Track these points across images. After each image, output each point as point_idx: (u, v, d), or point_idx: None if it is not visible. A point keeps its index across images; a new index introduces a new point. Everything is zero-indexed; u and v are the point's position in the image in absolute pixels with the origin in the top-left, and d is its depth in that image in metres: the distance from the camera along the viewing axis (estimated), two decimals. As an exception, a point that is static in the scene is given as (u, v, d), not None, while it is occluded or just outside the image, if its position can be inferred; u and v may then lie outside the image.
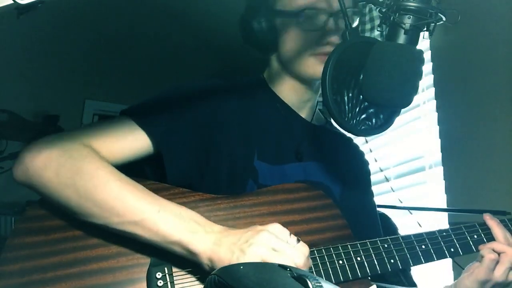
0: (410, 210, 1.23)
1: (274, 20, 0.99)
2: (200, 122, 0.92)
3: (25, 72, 3.01)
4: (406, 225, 1.75)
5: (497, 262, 0.87)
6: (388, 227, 1.36)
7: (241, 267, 0.54)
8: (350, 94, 0.79)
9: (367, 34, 2.02)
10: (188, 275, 0.78)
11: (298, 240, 0.74)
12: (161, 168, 0.87)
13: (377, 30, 0.94)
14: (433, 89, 1.79)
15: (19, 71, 2.95)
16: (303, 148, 1.01)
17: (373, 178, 1.17)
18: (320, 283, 0.48)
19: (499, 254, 0.88)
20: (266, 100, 1.04)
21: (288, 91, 1.05)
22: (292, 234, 0.75)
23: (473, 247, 0.91)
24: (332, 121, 0.95)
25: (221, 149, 0.93)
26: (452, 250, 0.90)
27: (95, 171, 0.77)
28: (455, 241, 0.91)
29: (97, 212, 0.76)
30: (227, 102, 0.96)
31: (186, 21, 3.24)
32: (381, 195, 2.03)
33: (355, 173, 1.10)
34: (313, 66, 0.97)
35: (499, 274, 0.86)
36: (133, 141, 0.86)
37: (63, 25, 3.12)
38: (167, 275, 0.77)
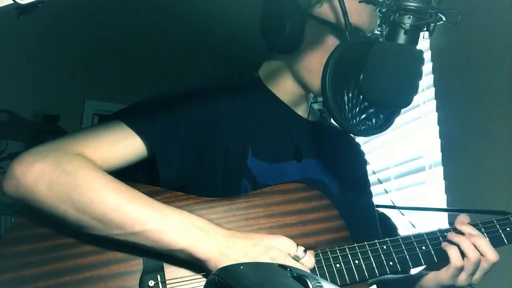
0: (402, 211, 1.23)
1: (304, 24, 0.93)
2: (193, 123, 0.90)
3: (25, 72, 3.02)
4: (406, 225, 1.75)
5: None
6: (388, 227, 1.36)
7: (241, 267, 0.54)
8: (350, 94, 0.79)
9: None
10: (181, 283, 0.77)
11: (305, 251, 0.75)
12: (152, 171, 0.86)
13: (377, 30, 0.94)
14: (433, 89, 1.79)
15: (19, 71, 2.95)
16: (302, 146, 1.01)
17: (372, 178, 1.17)
18: (320, 283, 0.48)
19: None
20: (262, 99, 1.02)
21: (286, 90, 1.02)
22: (299, 246, 0.75)
23: None
24: (332, 121, 0.95)
25: (215, 149, 0.91)
26: None
27: (90, 184, 0.75)
28: None
29: (96, 225, 0.74)
30: (221, 103, 0.94)
31: (187, 21, 3.25)
32: (381, 195, 2.03)
33: (353, 171, 1.10)
34: None
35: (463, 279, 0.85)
36: (127, 146, 0.84)
37: (63, 26, 3.12)
38: (159, 283, 0.76)
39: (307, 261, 0.76)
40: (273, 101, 1.02)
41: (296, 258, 0.75)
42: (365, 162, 1.15)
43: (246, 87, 1.02)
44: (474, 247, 0.84)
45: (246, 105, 0.98)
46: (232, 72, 1.09)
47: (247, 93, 1.01)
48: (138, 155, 0.86)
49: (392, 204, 1.40)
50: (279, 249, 0.74)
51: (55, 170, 0.75)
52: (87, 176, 0.76)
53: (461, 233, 0.88)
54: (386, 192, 1.42)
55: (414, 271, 0.97)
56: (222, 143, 0.92)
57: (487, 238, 0.87)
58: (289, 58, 0.99)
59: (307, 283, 0.48)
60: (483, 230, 0.89)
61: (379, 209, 1.18)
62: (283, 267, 0.53)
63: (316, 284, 0.48)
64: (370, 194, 1.12)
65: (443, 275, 0.86)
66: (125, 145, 0.84)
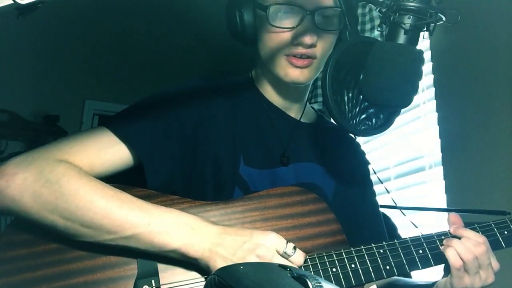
0: (402, 211, 1.22)
1: (255, 12, 0.93)
2: (183, 128, 0.89)
3: (25, 72, 3.02)
4: (406, 225, 1.75)
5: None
6: (388, 227, 1.36)
7: (241, 267, 0.54)
8: (350, 94, 0.79)
9: (367, 34, 2.02)
10: None
11: (295, 248, 0.75)
12: (143, 178, 0.85)
13: (377, 30, 0.94)
14: (433, 89, 1.79)
15: (19, 71, 2.95)
16: (292, 149, 0.98)
17: (373, 178, 1.16)
18: (320, 283, 0.48)
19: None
20: (252, 101, 1.00)
21: (273, 91, 1.01)
22: (289, 243, 0.75)
23: None
24: (332, 121, 0.95)
25: (206, 156, 0.90)
26: None
27: (75, 191, 0.73)
28: None
29: (86, 232, 0.74)
30: (211, 106, 0.93)
31: (186, 21, 3.24)
32: (381, 195, 2.03)
33: (353, 172, 1.08)
34: (285, 68, 0.92)
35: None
36: (114, 153, 0.83)
37: (63, 26, 3.12)
38: None
39: (296, 259, 0.75)
40: (262, 102, 1.00)
41: (285, 256, 0.75)
42: (366, 162, 1.14)
43: (237, 88, 1.00)
44: (469, 248, 0.82)
45: (237, 107, 0.96)
46: (231, 72, 1.08)
47: (238, 94, 0.99)
48: (126, 162, 0.85)
49: (394, 204, 1.40)
50: (267, 247, 0.73)
51: (38, 180, 0.73)
52: (71, 183, 0.74)
53: (457, 237, 0.86)
54: (388, 191, 1.42)
55: (413, 274, 0.96)
56: (212, 149, 0.90)
57: (486, 240, 0.85)
58: (257, 51, 0.98)
59: (307, 283, 0.48)
60: (480, 233, 0.87)
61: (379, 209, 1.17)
62: (283, 267, 0.54)
63: (316, 284, 0.48)
64: (373, 194, 1.10)
65: (449, 279, 0.84)
66: (112, 152, 0.83)
